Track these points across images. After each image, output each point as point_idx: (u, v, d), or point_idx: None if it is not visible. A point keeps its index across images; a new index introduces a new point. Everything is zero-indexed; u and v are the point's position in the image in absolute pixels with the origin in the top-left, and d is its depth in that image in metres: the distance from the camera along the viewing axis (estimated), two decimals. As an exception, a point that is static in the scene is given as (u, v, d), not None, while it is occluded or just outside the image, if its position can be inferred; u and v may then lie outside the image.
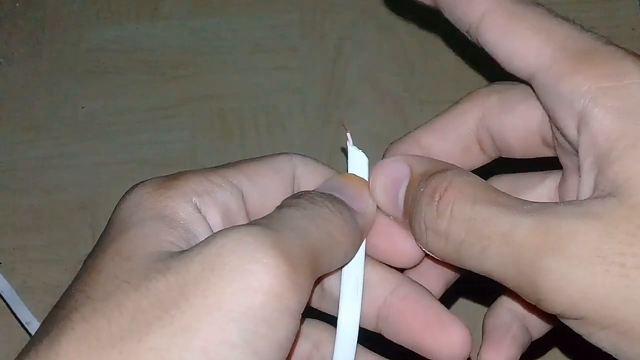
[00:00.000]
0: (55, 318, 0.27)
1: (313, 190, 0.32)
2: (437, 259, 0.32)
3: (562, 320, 0.29)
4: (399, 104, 0.59)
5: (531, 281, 0.28)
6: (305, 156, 0.34)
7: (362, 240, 0.32)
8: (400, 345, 0.33)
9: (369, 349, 0.34)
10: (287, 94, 0.61)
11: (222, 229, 0.28)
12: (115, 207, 0.31)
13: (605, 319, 0.27)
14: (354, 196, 0.32)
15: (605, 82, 0.29)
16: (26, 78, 0.62)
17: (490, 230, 0.29)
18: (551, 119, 0.31)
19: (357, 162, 0.34)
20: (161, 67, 0.62)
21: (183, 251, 0.28)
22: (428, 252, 0.32)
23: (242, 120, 0.60)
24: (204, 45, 0.63)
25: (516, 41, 0.31)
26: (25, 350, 0.27)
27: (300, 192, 0.32)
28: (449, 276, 0.36)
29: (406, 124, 0.58)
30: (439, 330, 0.32)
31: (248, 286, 0.26)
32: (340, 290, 0.32)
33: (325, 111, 0.60)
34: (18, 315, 0.53)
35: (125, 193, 0.31)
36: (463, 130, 0.35)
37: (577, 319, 0.28)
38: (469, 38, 0.34)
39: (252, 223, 0.28)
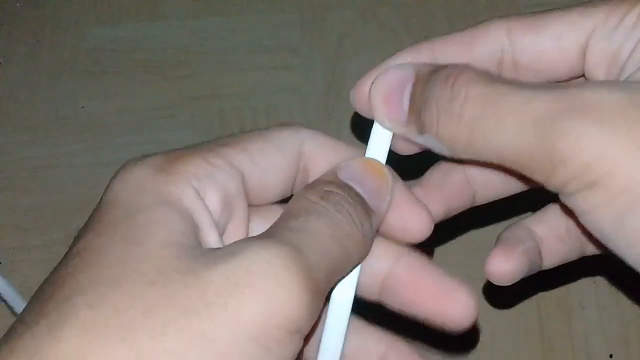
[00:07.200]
0: (52, 297, 0.26)
1: (336, 180, 0.31)
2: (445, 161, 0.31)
3: (566, 197, 0.28)
4: (399, 104, 0.59)
5: (546, 146, 0.27)
6: (312, 130, 0.33)
7: (370, 248, 0.31)
8: (395, 316, 0.33)
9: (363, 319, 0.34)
10: (287, 94, 0.60)
11: (249, 239, 0.28)
12: (111, 185, 0.29)
13: (618, 183, 0.26)
14: (374, 192, 0.31)
15: None
16: (26, 78, 0.62)
17: (507, 102, 0.28)
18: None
19: (380, 138, 0.32)
20: (161, 67, 0.62)
21: (203, 253, 0.27)
22: (435, 145, 0.31)
23: (242, 120, 0.60)
24: (204, 45, 0.63)
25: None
26: (18, 331, 0.25)
27: (326, 184, 0.30)
28: (454, 203, 0.35)
29: (406, 124, 0.58)
30: (447, 296, 0.31)
31: (270, 310, 0.26)
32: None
33: (325, 111, 0.60)
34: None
35: (121, 171, 0.29)
36: (486, 49, 0.33)
37: (584, 188, 0.27)
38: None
39: (280, 238, 0.27)
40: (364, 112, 0.33)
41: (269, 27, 0.63)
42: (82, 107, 0.61)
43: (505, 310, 0.53)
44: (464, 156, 0.30)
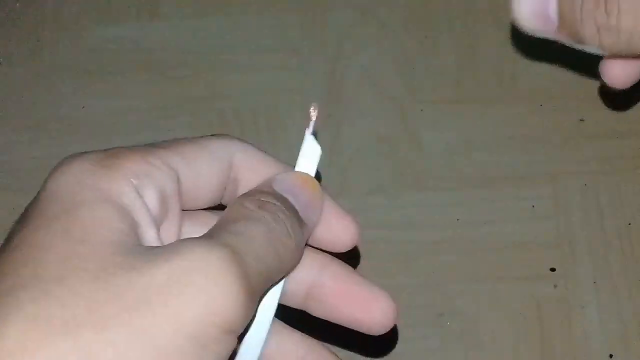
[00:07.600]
0: None
1: (272, 191, 0.32)
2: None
3: None
4: (399, 104, 0.59)
5: None
6: (244, 143, 0.34)
7: (301, 258, 0.33)
8: (320, 321, 0.34)
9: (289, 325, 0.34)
10: (287, 94, 0.61)
11: (190, 239, 0.28)
12: (50, 179, 0.30)
13: None
14: (308, 205, 0.32)
15: None
16: (26, 78, 0.62)
17: None
18: None
19: (311, 153, 0.34)
20: (161, 67, 0.62)
21: (144, 250, 0.28)
22: (603, 51, 0.36)
23: (242, 120, 0.60)
24: (204, 45, 0.63)
25: None
26: None
27: (263, 194, 0.31)
28: None
29: (406, 124, 0.58)
30: (370, 304, 0.33)
31: (208, 310, 0.26)
32: None
33: (325, 111, 0.60)
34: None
35: (60, 165, 0.30)
36: None
37: None
38: None
39: (220, 240, 0.28)
40: (533, 30, 0.37)
41: (269, 27, 0.63)
42: (82, 107, 0.61)
43: (505, 310, 0.53)
44: (621, 56, 0.36)
